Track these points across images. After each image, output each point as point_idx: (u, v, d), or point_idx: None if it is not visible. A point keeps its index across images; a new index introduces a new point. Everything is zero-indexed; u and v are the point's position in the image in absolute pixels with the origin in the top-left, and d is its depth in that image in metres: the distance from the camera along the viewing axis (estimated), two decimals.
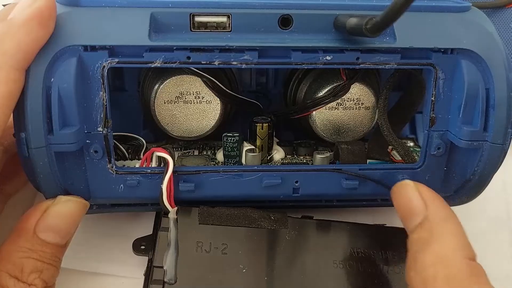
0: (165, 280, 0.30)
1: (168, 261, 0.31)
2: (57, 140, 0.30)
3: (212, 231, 0.33)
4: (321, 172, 0.34)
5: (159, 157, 0.34)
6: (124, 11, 0.31)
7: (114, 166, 0.32)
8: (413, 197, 0.31)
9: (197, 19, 0.31)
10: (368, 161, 0.37)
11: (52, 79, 0.29)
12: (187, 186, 0.33)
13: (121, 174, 0.33)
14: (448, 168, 0.34)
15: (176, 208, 0.33)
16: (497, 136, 0.32)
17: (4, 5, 0.33)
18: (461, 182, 0.34)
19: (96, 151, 0.32)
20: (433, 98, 0.33)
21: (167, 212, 0.33)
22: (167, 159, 0.32)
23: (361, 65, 0.32)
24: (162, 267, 0.31)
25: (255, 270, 0.31)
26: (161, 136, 0.40)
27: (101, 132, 0.31)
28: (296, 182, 0.34)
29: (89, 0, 0.30)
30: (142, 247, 0.35)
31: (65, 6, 0.30)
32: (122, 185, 0.33)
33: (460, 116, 0.32)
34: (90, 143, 0.31)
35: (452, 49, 0.32)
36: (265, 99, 0.41)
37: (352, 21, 0.29)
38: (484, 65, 0.31)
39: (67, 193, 0.32)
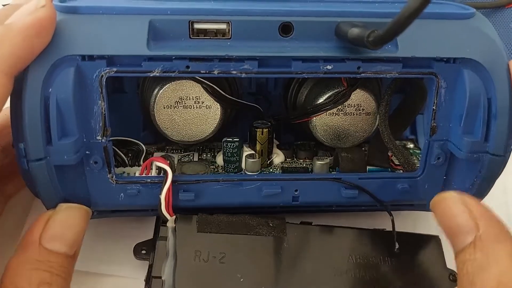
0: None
1: (166, 271, 0.31)
2: (56, 150, 0.30)
3: (210, 239, 0.33)
4: (320, 181, 0.34)
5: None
6: (122, 19, 0.30)
7: (114, 176, 0.32)
8: (460, 214, 0.28)
9: (197, 26, 0.31)
10: (368, 167, 0.37)
11: (50, 89, 0.29)
12: (187, 195, 0.33)
13: (121, 183, 0.33)
14: (447, 177, 0.34)
15: (174, 216, 0.33)
16: (498, 147, 0.31)
17: (4, 5, 0.33)
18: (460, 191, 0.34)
19: (96, 162, 0.32)
20: (434, 107, 0.32)
21: (166, 221, 0.33)
22: (166, 170, 0.32)
23: (362, 74, 0.31)
24: (160, 277, 0.31)
25: (253, 279, 0.32)
26: (160, 138, 0.40)
27: (100, 141, 0.31)
28: (296, 191, 0.34)
29: (87, 8, 0.30)
30: (143, 251, 0.35)
31: (62, 13, 0.30)
32: (122, 194, 0.33)
33: (461, 125, 0.32)
34: (90, 154, 0.31)
35: (454, 58, 0.31)
36: (265, 101, 0.41)
37: (354, 31, 0.29)
38: (487, 74, 0.31)
39: (67, 202, 0.32)
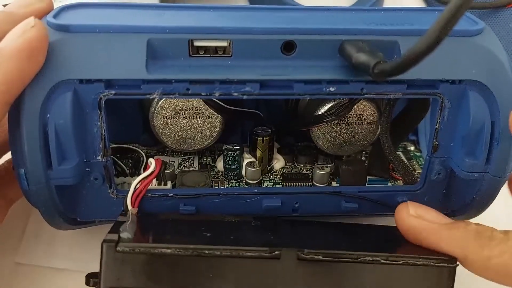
0: (120, 235, 0.27)
1: (124, 227, 0.28)
2: (57, 175, 0.30)
3: (173, 221, 0.32)
4: (320, 195, 0.34)
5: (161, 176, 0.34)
6: (119, 38, 0.29)
7: (115, 191, 0.32)
8: None
9: (197, 44, 0.30)
10: (368, 177, 0.37)
11: (48, 115, 0.29)
12: (188, 209, 0.33)
13: (122, 197, 0.33)
14: (447, 191, 0.34)
15: (137, 209, 0.32)
16: (498, 169, 0.31)
17: (4, 5, 0.32)
18: (459, 205, 0.35)
19: (96, 179, 0.32)
20: (437, 126, 0.32)
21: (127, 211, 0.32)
22: (151, 161, 0.32)
23: (365, 95, 0.31)
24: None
25: (220, 236, 0.30)
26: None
27: (100, 161, 0.31)
28: (296, 203, 0.34)
29: (82, 26, 0.29)
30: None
31: (57, 31, 0.29)
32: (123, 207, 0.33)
33: (463, 147, 0.31)
34: (90, 171, 0.31)
35: (460, 80, 0.31)
36: (265, 106, 0.40)
37: (360, 58, 0.28)
38: (492, 97, 0.30)
39: (68, 217, 0.33)
